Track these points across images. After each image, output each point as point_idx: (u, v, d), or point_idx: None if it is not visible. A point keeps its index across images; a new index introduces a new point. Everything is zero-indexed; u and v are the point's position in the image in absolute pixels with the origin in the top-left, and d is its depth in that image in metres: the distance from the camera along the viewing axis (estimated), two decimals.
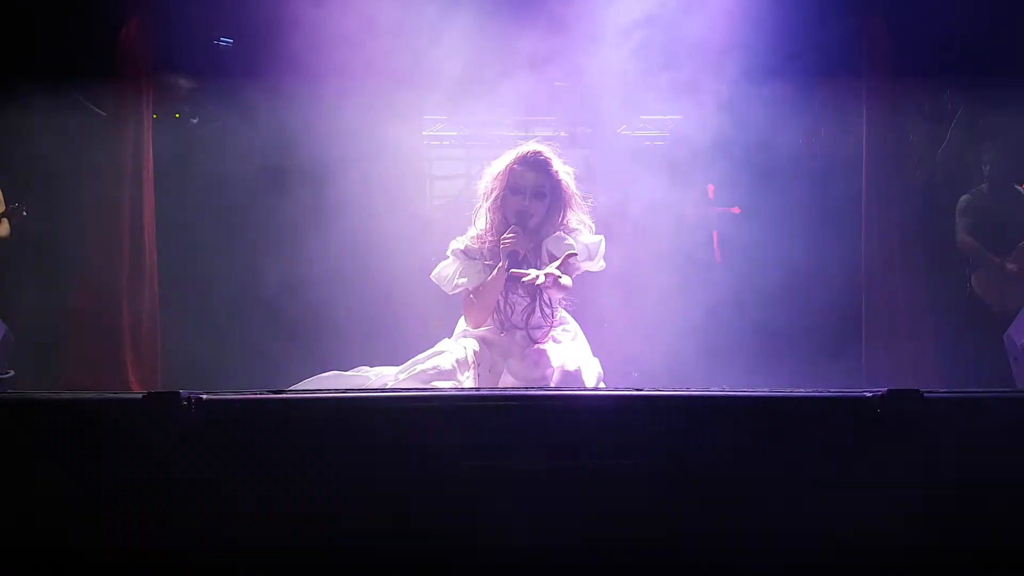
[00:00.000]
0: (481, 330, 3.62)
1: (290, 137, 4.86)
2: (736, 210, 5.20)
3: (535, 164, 3.54)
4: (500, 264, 3.50)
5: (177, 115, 5.20)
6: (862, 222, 5.05)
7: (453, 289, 3.58)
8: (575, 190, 3.61)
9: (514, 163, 3.56)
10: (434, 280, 3.63)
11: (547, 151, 3.57)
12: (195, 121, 5.18)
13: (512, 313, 3.57)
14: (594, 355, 3.70)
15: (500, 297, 3.55)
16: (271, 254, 4.94)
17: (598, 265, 3.60)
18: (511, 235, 3.49)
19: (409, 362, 3.51)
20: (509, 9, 4.59)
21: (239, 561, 2.20)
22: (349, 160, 4.72)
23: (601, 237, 3.60)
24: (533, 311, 3.57)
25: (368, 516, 2.22)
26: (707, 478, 2.24)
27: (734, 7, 4.65)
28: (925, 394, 2.26)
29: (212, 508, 2.19)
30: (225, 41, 5.08)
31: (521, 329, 3.57)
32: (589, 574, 2.23)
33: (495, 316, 3.58)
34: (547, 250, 3.55)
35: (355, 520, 2.22)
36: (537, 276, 3.29)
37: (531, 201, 3.52)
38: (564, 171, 3.59)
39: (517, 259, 3.48)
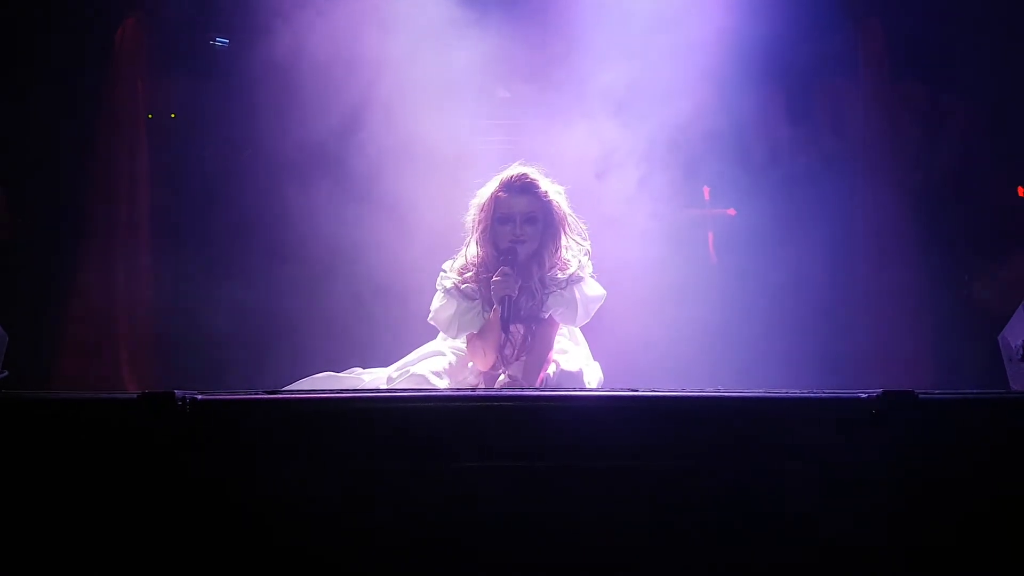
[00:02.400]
0: None
1: (286, 137, 4.86)
2: (732, 212, 5.21)
3: (521, 188, 3.39)
4: (495, 308, 3.37)
5: (173, 115, 5.20)
6: (858, 224, 5.06)
7: (457, 334, 3.45)
8: (568, 210, 3.47)
9: (499, 191, 3.41)
10: (432, 324, 3.50)
11: (533, 172, 3.43)
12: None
13: (512, 352, 3.46)
14: (594, 359, 3.69)
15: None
16: (263, 255, 4.93)
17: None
18: (499, 277, 3.35)
19: (400, 362, 3.50)
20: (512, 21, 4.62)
21: (234, 561, 2.19)
22: (340, 162, 4.72)
23: (603, 295, 3.47)
24: (523, 349, 3.45)
25: (363, 516, 2.21)
26: (703, 478, 2.24)
27: (731, 7, 4.66)
28: (920, 395, 2.26)
29: (206, 508, 2.19)
30: (221, 41, 5.07)
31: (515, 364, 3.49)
32: (584, 573, 2.23)
33: (498, 355, 3.45)
34: (551, 313, 3.42)
35: (350, 520, 2.21)
36: None
37: (522, 227, 3.37)
38: (554, 191, 3.45)
39: (509, 304, 3.35)
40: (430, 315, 3.50)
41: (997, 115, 4.94)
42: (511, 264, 3.37)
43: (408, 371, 3.41)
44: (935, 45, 4.88)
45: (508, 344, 3.43)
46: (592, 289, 3.46)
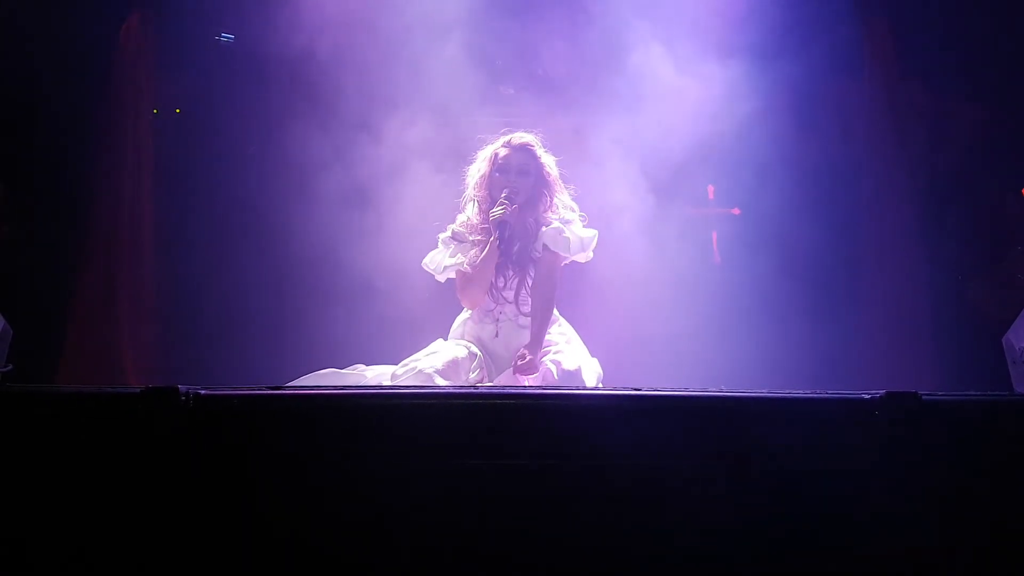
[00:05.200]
0: (478, 332, 3.65)
1: (285, 134, 4.86)
2: (736, 211, 5.21)
3: (520, 147, 3.74)
4: (492, 238, 3.62)
5: (178, 111, 5.20)
6: (862, 225, 5.05)
7: (444, 273, 3.70)
8: (557, 177, 3.75)
9: (500, 147, 3.75)
10: (425, 267, 3.75)
11: (532, 138, 3.76)
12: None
13: (504, 286, 3.66)
14: (592, 356, 3.70)
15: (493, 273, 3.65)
16: (268, 251, 4.94)
17: (587, 256, 3.73)
18: (500, 207, 3.62)
19: (405, 361, 3.52)
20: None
21: (234, 556, 2.19)
22: (344, 157, 4.72)
23: (595, 232, 3.73)
24: (522, 286, 3.65)
25: (365, 511, 2.22)
26: (705, 478, 2.24)
27: (736, 7, 4.66)
28: (923, 397, 2.26)
29: (209, 502, 2.19)
30: (227, 37, 5.08)
31: (511, 304, 3.66)
32: (586, 572, 2.23)
33: (490, 292, 3.66)
34: (544, 243, 3.66)
35: (352, 515, 2.22)
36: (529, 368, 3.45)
37: (516, 178, 3.68)
38: (548, 157, 3.76)
39: (507, 230, 3.62)
40: (424, 260, 3.74)
41: (1001, 118, 4.93)
42: (509, 200, 3.64)
43: (411, 368, 3.43)
44: (940, 47, 4.87)
45: (500, 276, 3.65)
46: (582, 230, 3.70)
